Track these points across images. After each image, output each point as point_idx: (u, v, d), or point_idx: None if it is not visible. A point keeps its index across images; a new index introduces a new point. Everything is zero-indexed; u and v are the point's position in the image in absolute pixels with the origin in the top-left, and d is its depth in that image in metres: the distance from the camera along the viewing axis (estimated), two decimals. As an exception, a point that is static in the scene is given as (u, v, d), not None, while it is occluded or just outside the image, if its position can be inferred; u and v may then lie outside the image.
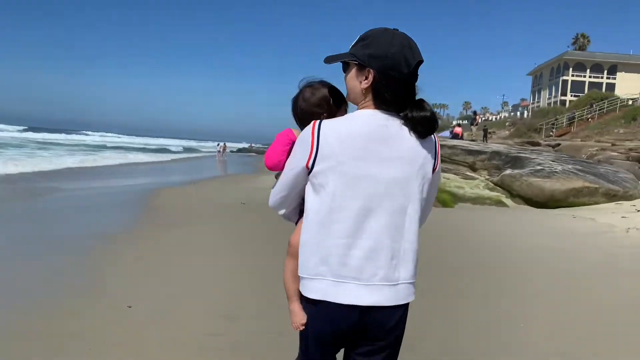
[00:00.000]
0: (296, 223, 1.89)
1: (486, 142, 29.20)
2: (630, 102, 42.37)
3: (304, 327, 1.77)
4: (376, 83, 1.68)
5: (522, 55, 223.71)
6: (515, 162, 14.92)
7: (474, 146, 17.42)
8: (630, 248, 7.38)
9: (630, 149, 27.86)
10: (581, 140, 35.25)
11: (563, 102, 60.90)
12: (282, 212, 1.89)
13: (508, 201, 13.25)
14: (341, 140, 1.64)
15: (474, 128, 31.19)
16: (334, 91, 1.91)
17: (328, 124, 1.68)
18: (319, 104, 1.90)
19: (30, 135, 66.12)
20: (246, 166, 32.11)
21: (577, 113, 40.68)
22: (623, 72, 63.26)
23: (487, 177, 15.06)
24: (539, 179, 12.94)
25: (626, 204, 12.48)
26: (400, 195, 1.68)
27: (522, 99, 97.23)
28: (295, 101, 1.96)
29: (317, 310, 1.70)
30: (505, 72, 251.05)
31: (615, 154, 27.20)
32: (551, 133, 40.26)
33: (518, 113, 70.33)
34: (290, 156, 1.78)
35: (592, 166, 14.64)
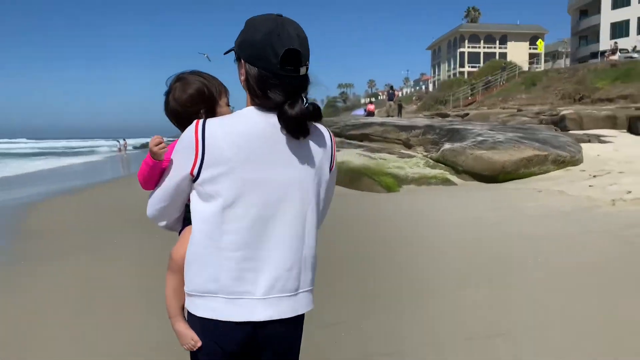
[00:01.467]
0: (179, 232, 1.69)
1: (400, 116, 28.42)
2: (526, 69, 43.86)
3: (197, 344, 1.57)
4: (248, 75, 1.50)
5: (420, 30, 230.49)
6: (453, 134, 13.64)
7: (405, 121, 16.04)
8: (638, 227, 6.09)
9: (537, 113, 28.18)
10: (488, 108, 35.66)
11: (462, 74, 62.55)
12: (162, 224, 1.68)
13: (454, 178, 11.88)
14: (231, 142, 1.44)
15: (391, 103, 30.14)
16: (208, 82, 1.71)
17: (214, 124, 1.47)
18: (193, 100, 1.67)
19: None
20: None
21: (489, 78, 41.22)
22: (513, 41, 66.10)
23: (425, 153, 13.68)
24: (485, 151, 11.66)
25: (575, 169, 11.57)
26: (298, 199, 1.52)
27: (422, 74, 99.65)
28: (166, 102, 1.72)
29: (206, 329, 1.52)
30: (405, 49, 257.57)
31: (526, 118, 27.23)
32: (470, 97, 40.52)
33: (423, 87, 71.45)
34: (170, 162, 1.54)
35: (531, 132, 13.70)
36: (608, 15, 47.54)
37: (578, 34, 52.38)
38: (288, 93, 1.46)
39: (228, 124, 1.48)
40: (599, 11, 48.92)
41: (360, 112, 43.15)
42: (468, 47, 66.15)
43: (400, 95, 69.15)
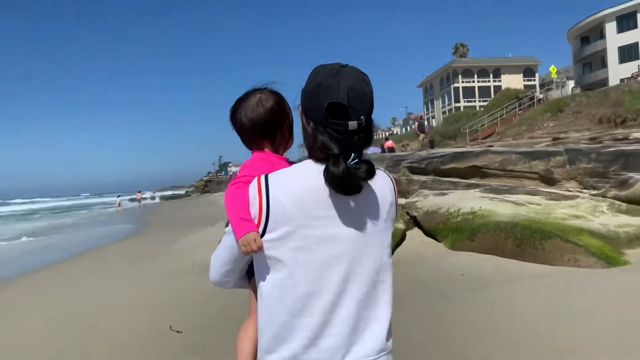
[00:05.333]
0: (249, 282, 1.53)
1: (431, 151, 23.50)
2: (541, 97, 39.77)
3: None
4: (303, 125, 1.39)
5: (405, 70, 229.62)
6: (628, 160, 8.48)
7: (529, 147, 10.91)
8: None
9: (593, 139, 23.43)
10: (513, 139, 31.02)
11: (457, 109, 58.81)
12: (228, 285, 1.53)
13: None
14: (293, 199, 1.30)
15: (424, 136, 25.09)
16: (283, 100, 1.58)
17: (277, 178, 1.33)
18: (278, 109, 1.54)
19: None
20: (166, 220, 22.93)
21: (503, 109, 36.97)
22: (507, 74, 62.89)
23: (593, 192, 8.42)
24: None
25: None
26: (371, 256, 1.35)
27: (409, 113, 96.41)
28: (244, 111, 1.54)
29: None
30: (390, 88, 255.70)
31: (584, 145, 22.25)
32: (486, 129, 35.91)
33: (425, 124, 67.11)
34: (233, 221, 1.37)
35: None
36: (614, 40, 44.20)
37: (581, 61, 48.97)
38: (339, 147, 1.30)
39: (290, 177, 1.35)
40: (601, 36, 45.66)
41: (371, 150, 38.14)
42: (462, 81, 62.66)
43: (391, 133, 64.92)
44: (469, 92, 62.62)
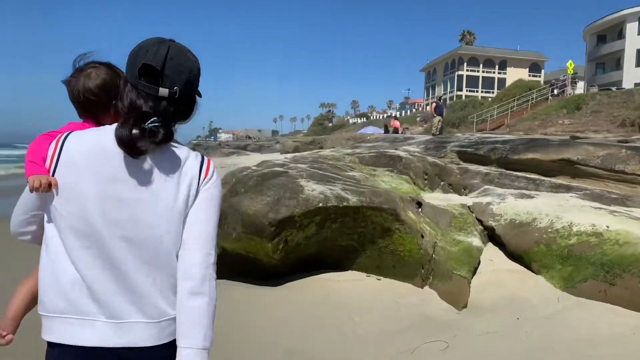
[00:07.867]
0: None
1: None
2: (554, 92, 36.90)
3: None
4: (120, 88, 1.39)
5: (407, 52, 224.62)
6: None
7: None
8: None
9: (624, 141, 20.62)
10: (525, 134, 28.27)
11: (459, 97, 55.81)
12: (26, 237, 1.44)
13: None
14: (84, 155, 1.30)
15: (441, 119, 22.07)
16: (118, 74, 1.51)
17: (74, 137, 1.33)
18: (99, 91, 1.48)
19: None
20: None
21: (514, 102, 34.13)
22: (512, 67, 59.89)
23: None
24: None
25: None
26: (149, 221, 1.29)
27: (407, 97, 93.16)
28: (73, 83, 1.50)
29: (55, 355, 1.29)
30: (387, 71, 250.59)
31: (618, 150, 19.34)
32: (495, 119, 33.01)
33: (427, 108, 64.14)
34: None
35: None
36: (634, 41, 41.23)
37: (595, 61, 46.02)
38: (146, 109, 1.30)
39: (86, 136, 1.33)
40: (620, 36, 42.65)
41: (369, 130, 34.86)
42: (467, 70, 59.40)
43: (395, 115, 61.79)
44: (472, 82, 59.49)
